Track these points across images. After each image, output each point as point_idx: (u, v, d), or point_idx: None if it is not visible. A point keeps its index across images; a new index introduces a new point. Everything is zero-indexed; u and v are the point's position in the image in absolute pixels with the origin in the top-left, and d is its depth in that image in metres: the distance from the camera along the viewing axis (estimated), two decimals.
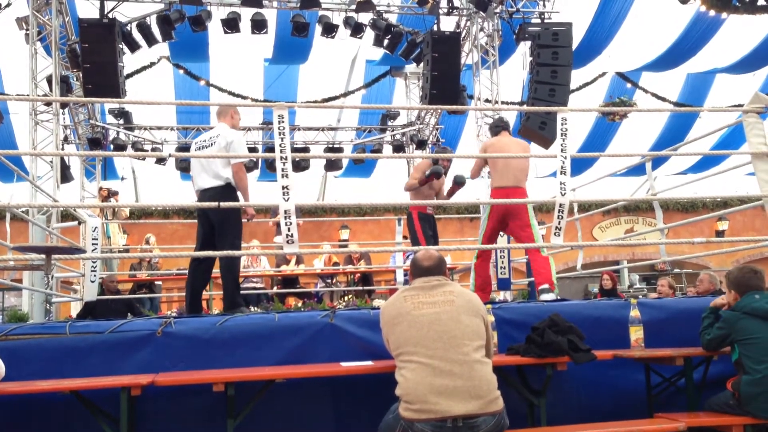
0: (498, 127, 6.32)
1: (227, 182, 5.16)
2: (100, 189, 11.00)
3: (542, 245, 5.73)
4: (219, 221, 5.15)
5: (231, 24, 11.01)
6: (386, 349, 3.35)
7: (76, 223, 7.99)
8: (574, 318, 4.03)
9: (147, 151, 13.49)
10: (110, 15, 10.10)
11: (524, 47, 11.97)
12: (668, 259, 8.43)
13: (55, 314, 8.35)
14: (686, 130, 15.58)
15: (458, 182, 6.90)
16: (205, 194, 5.19)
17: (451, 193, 7.09)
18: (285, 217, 4.38)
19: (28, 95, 10.01)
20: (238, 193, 5.24)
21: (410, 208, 7.27)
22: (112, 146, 13.25)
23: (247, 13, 11.08)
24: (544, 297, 5.45)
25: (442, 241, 13.83)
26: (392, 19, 11.89)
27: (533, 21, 11.67)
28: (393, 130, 14.80)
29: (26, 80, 10.01)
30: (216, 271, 5.52)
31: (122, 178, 15.49)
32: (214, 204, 4.71)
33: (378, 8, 11.49)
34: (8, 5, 10.61)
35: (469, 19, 12.35)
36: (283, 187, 4.40)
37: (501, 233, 6.40)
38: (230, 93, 13.56)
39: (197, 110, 14.04)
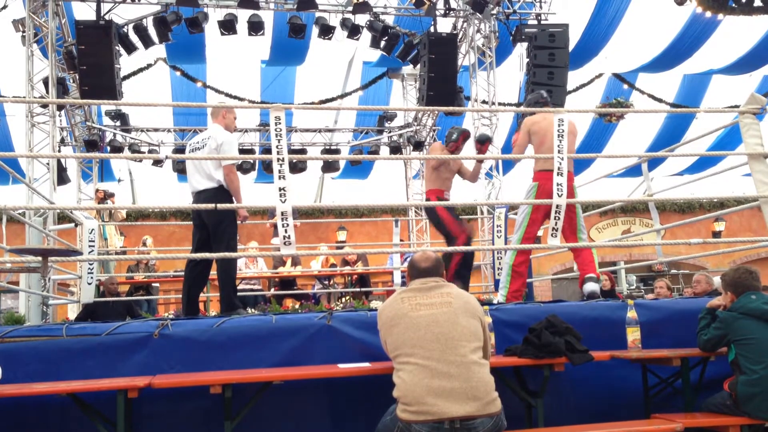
0: (538, 103, 5.80)
1: (220, 184, 5.16)
2: (97, 191, 11.00)
3: (588, 244, 5.44)
4: (213, 223, 5.15)
5: (228, 26, 11.00)
6: (384, 351, 3.35)
7: (72, 225, 8.00)
8: (571, 319, 4.03)
9: (144, 153, 13.48)
10: (107, 17, 10.08)
11: (521, 49, 11.99)
12: (665, 260, 8.44)
13: (52, 316, 8.33)
14: (683, 131, 15.62)
15: (481, 140, 6.42)
16: (199, 196, 5.19)
17: (481, 153, 6.47)
18: (282, 219, 4.38)
19: (24, 97, 9.98)
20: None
21: (427, 193, 6.52)
22: (108, 148, 13.23)
23: (243, 15, 11.06)
24: (589, 287, 5.23)
25: (439, 242, 13.87)
26: (389, 20, 11.89)
27: (530, 22, 11.68)
28: (390, 132, 14.81)
29: (23, 82, 9.98)
30: (213, 273, 5.52)
31: (119, 180, 15.46)
32: (210, 206, 4.70)
33: (375, 10, 11.49)
34: (4, 7, 10.59)
35: (465, 21, 12.36)
36: (280, 189, 4.39)
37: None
38: (227, 95, 13.54)
39: (194, 112, 14.01)
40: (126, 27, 10.48)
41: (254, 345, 3.95)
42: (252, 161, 13.80)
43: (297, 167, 13.16)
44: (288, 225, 4.39)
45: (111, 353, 3.83)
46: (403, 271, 8.76)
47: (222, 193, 5.13)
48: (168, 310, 10.61)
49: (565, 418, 4.01)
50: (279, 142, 4.47)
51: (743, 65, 14.02)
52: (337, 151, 14.37)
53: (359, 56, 13.68)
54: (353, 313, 4.27)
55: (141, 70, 12.93)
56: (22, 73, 10.05)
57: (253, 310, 6.87)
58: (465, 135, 6.26)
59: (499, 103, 12.37)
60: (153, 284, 10.23)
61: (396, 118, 14.95)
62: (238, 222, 5.32)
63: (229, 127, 5.41)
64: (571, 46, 11.63)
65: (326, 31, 11.49)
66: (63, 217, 10.80)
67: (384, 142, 14.75)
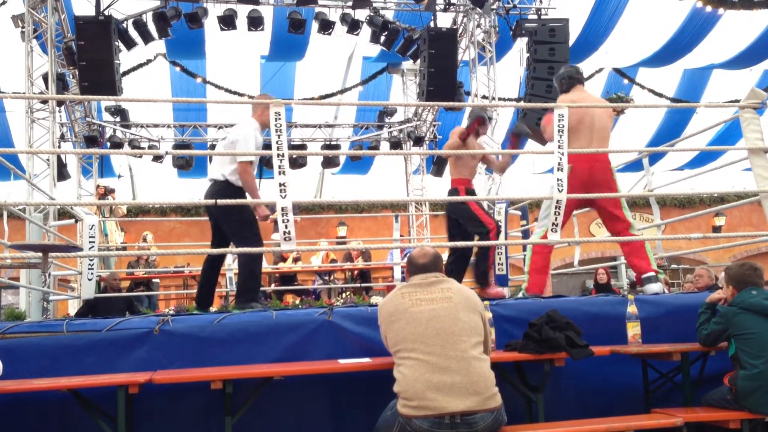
0: (572, 78, 5.33)
1: (225, 179, 5.12)
2: (97, 187, 11.00)
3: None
4: (218, 217, 5.15)
5: (227, 21, 10.99)
6: (384, 346, 3.35)
7: (73, 221, 8.00)
8: (571, 314, 4.03)
9: (144, 148, 13.47)
10: (106, 12, 10.08)
11: (521, 43, 11.97)
12: (665, 254, 8.43)
13: (52, 312, 8.34)
14: (683, 125, 15.61)
15: (517, 134, 5.62)
16: (209, 186, 5.21)
17: (512, 148, 5.76)
18: (282, 215, 4.37)
19: (24, 93, 9.98)
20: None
21: (453, 183, 5.89)
22: (108, 144, 13.23)
23: (243, 10, 11.06)
24: (652, 288, 4.97)
25: (439, 238, 13.87)
26: (389, 15, 11.90)
27: (530, 17, 11.66)
28: (390, 127, 14.80)
29: (22, 78, 9.98)
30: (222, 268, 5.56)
31: (119, 176, 15.47)
32: (211, 201, 4.72)
33: (374, 5, 11.48)
34: (4, 3, 10.59)
35: (465, 16, 12.34)
36: (280, 185, 4.38)
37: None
38: (227, 90, 13.54)
39: (194, 107, 14.02)
40: (125, 22, 10.47)
41: (255, 340, 3.95)
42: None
43: (297, 163, 13.17)
44: (288, 220, 4.38)
45: (111, 349, 3.82)
46: (404, 266, 8.76)
47: (226, 187, 5.07)
48: (168, 305, 10.63)
49: (566, 413, 4.01)
50: (279, 137, 4.46)
51: (743, 60, 14.01)
52: (337, 147, 14.37)
53: (359, 51, 13.68)
54: (353, 309, 4.26)
55: (141, 65, 12.93)
56: (21, 68, 10.04)
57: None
58: (478, 121, 5.67)
59: (500, 98, 12.36)
60: (153, 280, 10.24)
61: (396, 113, 14.96)
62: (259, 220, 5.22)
63: (265, 124, 5.10)
64: (572, 40, 11.61)
65: (326, 26, 11.49)
66: (63, 213, 10.79)
67: (384, 138, 14.75)
